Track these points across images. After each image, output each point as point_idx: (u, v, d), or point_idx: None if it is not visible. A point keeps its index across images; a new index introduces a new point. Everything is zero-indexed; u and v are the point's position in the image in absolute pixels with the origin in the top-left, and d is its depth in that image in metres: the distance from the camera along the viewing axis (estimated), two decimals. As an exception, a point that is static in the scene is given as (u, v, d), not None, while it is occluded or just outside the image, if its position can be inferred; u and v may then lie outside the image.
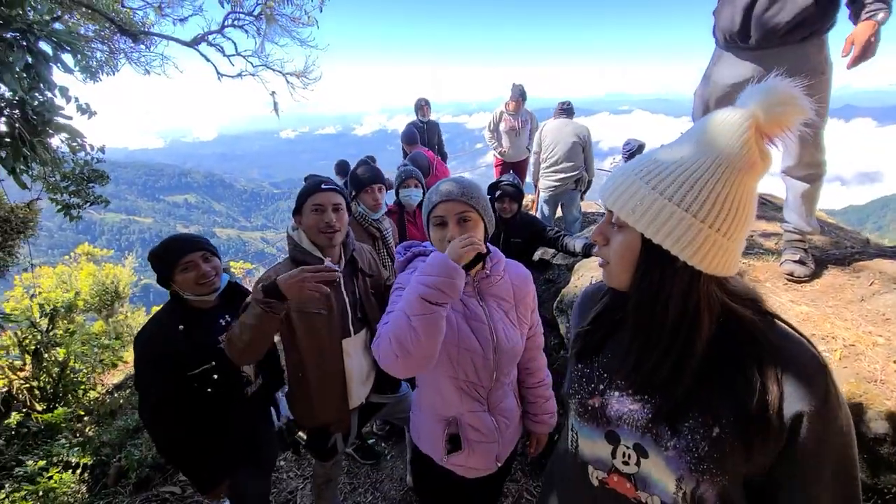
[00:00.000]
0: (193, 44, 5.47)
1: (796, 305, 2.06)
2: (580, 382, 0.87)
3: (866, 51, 1.70)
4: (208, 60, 5.57)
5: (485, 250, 1.19)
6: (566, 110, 4.67)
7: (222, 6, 5.46)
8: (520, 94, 4.99)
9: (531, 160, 4.81)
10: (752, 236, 2.88)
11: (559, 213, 4.88)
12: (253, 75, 5.74)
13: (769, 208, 3.63)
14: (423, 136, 5.26)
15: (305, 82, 6.02)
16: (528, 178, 4.99)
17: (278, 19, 5.38)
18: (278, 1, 5.45)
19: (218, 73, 5.67)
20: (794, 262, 2.18)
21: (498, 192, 3.46)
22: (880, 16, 1.68)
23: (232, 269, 7.75)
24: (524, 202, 6.15)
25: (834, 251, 2.59)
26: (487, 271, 1.34)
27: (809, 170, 2.12)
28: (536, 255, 3.64)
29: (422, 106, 5.44)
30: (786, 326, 0.73)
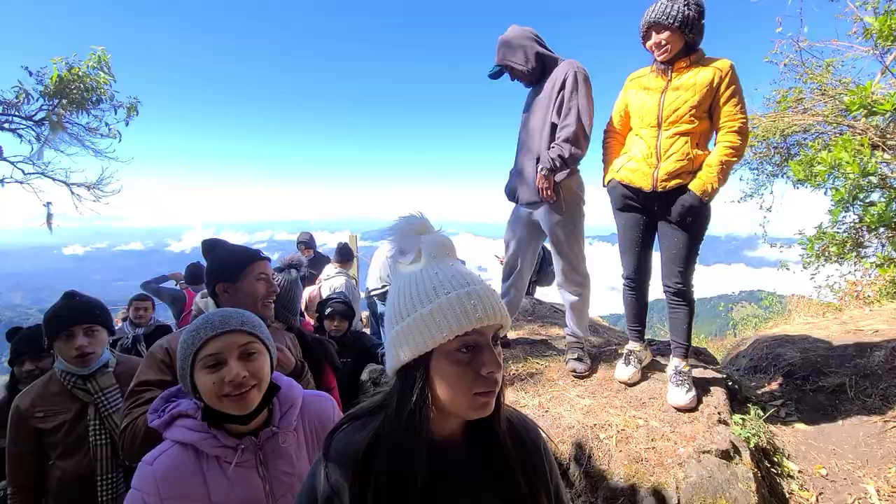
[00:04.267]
0: (-67, 142, 4.40)
1: (581, 399, 2.36)
2: None
3: (544, 189, 2.38)
4: (-47, 162, 4.51)
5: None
6: None
7: (-11, 106, 4.64)
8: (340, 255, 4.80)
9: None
10: (546, 341, 3.33)
11: None
12: (21, 183, 4.79)
13: (560, 315, 4.32)
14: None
15: (98, 195, 5.26)
16: None
17: (68, 127, 4.78)
18: (72, 109, 4.89)
19: (-34, 177, 4.59)
20: (575, 360, 2.60)
21: (328, 311, 3.36)
22: (545, 172, 2.36)
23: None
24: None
25: (605, 349, 3.14)
26: (275, 426, 1.08)
27: (574, 286, 2.64)
28: (365, 375, 3.51)
29: (307, 246, 5.20)
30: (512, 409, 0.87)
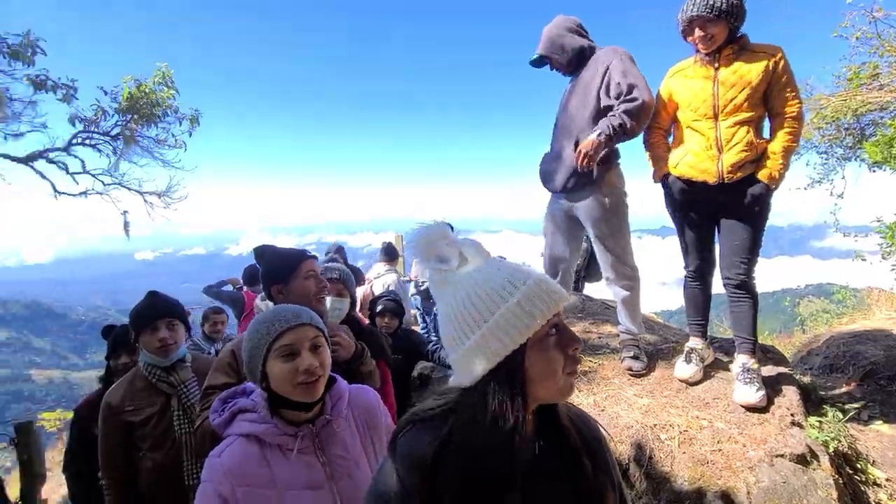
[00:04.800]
0: (28, 160, 4.91)
1: (639, 398, 2.29)
2: None
3: (587, 154, 2.22)
4: (44, 177, 5.00)
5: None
6: None
7: (73, 125, 5.12)
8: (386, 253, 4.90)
9: None
10: (599, 338, 3.25)
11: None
12: (101, 194, 5.26)
13: (611, 312, 4.19)
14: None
15: (168, 202, 5.69)
16: None
17: (139, 140, 5.19)
18: (142, 123, 5.30)
19: (55, 190, 5.07)
20: (631, 358, 2.53)
21: (379, 308, 3.44)
22: (602, 137, 2.21)
23: (43, 422, 6.15)
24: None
25: (662, 346, 3.02)
26: (328, 415, 1.15)
27: (624, 280, 2.56)
28: (414, 372, 3.57)
29: (337, 255, 5.33)
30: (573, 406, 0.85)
